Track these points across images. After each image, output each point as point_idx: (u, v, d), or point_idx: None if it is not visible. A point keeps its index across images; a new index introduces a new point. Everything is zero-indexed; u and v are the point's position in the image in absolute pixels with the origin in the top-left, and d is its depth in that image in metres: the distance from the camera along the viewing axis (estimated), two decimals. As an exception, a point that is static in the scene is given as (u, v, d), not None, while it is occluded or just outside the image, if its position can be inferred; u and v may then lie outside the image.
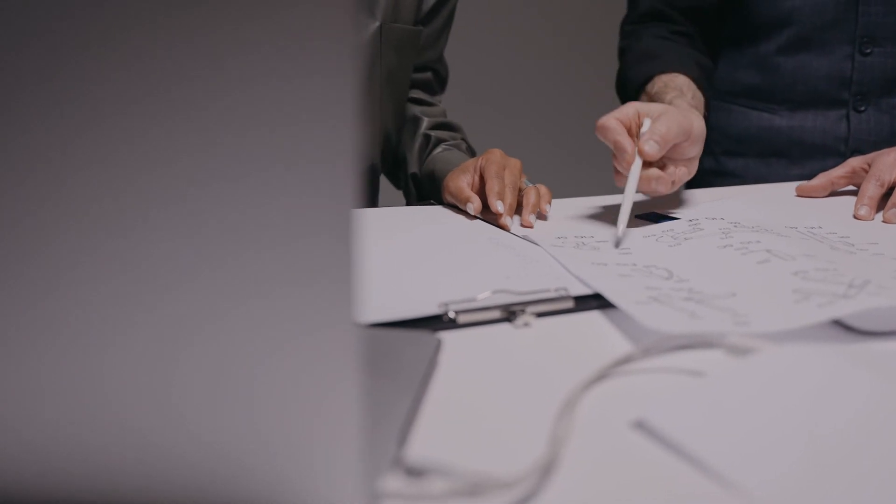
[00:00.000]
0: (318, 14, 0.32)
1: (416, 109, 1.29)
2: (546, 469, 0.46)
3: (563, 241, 0.92)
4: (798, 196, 1.16)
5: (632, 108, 1.00)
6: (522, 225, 1.00)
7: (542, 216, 1.02)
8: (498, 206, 0.98)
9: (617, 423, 0.52)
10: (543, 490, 0.44)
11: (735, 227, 0.93)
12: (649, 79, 1.26)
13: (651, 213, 1.05)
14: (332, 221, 0.34)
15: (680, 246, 0.89)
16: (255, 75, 0.32)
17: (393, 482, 0.41)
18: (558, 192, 1.16)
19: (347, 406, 0.36)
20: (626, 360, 0.59)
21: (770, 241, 0.85)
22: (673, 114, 0.98)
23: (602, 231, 0.96)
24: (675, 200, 1.12)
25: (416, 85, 1.32)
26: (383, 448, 0.45)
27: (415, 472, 0.42)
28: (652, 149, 0.94)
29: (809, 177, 1.17)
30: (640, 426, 0.51)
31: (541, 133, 2.16)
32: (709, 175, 1.46)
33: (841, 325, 0.67)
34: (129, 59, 0.32)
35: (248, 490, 0.37)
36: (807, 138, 1.35)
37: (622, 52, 1.41)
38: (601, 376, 0.57)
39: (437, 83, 1.37)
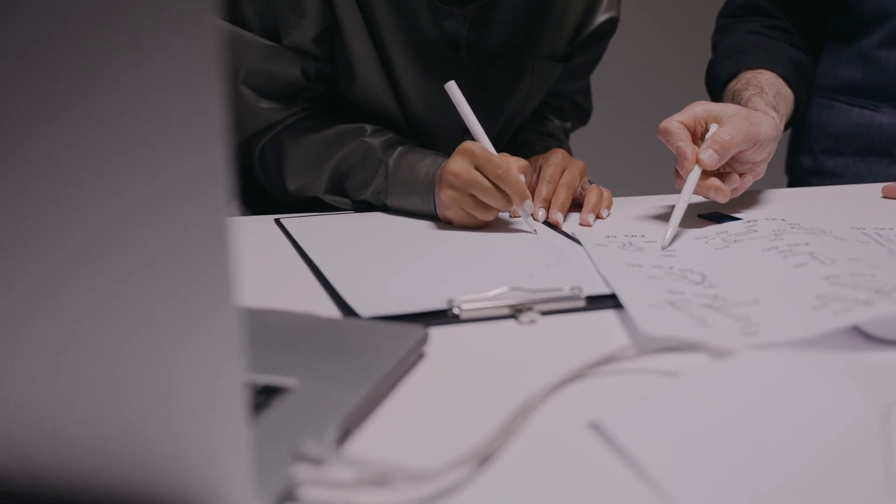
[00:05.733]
0: (180, 23, 0.34)
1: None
2: (477, 463, 0.47)
3: (611, 239, 0.91)
4: (884, 197, 1.09)
5: (699, 107, 0.98)
6: (581, 224, 1.00)
7: (599, 217, 1.02)
8: (539, 213, 0.99)
9: (575, 425, 0.52)
10: (466, 483, 0.45)
11: (792, 228, 0.89)
12: (735, 74, 1.22)
13: (715, 213, 1.02)
14: (206, 213, 0.36)
15: (727, 249, 0.86)
16: (128, 81, 0.35)
17: (302, 471, 0.43)
18: (625, 190, 1.14)
19: (232, 395, 0.38)
20: (605, 360, 0.58)
21: (818, 244, 0.81)
22: (739, 120, 0.95)
23: (654, 232, 0.94)
24: (750, 200, 1.08)
25: (549, 109, 1.29)
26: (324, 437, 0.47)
27: (314, 461, 0.43)
28: (710, 158, 0.92)
29: (913, 177, 1.11)
30: (595, 429, 0.51)
31: (609, 128, 2.10)
32: (807, 174, 1.40)
33: (861, 333, 0.64)
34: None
35: (134, 483, 0.39)
36: (910, 137, 1.27)
37: (714, 46, 1.37)
38: (576, 376, 0.57)
39: (573, 112, 1.31)
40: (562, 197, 0.99)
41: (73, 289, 0.37)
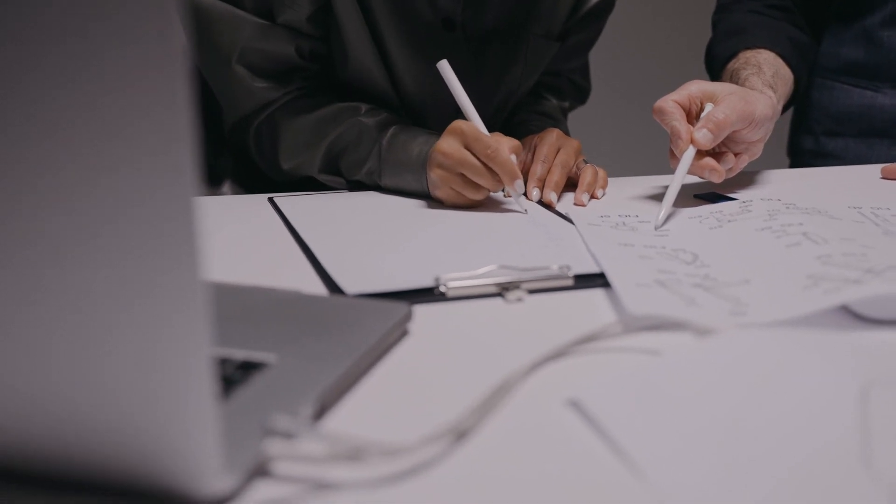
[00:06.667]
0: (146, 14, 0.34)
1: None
2: (452, 439, 0.46)
3: (605, 219, 0.90)
4: (883, 178, 1.08)
5: (695, 86, 0.97)
6: (575, 203, 0.99)
7: (593, 197, 1.01)
8: (533, 193, 0.99)
9: (554, 402, 0.51)
10: (439, 459, 0.45)
11: (787, 208, 0.88)
12: (734, 54, 1.21)
13: (710, 193, 1.01)
14: (172, 196, 0.36)
15: (721, 228, 0.86)
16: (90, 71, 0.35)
17: (274, 446, 0.42)
18: (622, 170, 1.13)
19: (199, 371, 0.37)
20: (588, 338, 0.58)
21: (812, 224, 0.80)
22: (734, 99, 0.94)
23: (648, 212, 0.94)
24: (748, 181, 1.07)
25: (546, 89, 1.27)
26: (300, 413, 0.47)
27: (285, 436, 0.43)
28: (705, 138, 0.92)
29: (914, 159, 1.10)
30: (574, 406, 0.50)
31: (605, 107, 2.08)
32: (808, 156, 1.39)
33: (851, 313, 0.63)
34: None
35: (101, 458, 0.39)
36: (912, 118, 1.26)
37: (714, 25, 1.35)
38: (558, 354, 0.56)
39: (571, 92, 1.30)
40: (556, 177, 0.98)
41: (39, 269, 0.37)
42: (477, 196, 0.93)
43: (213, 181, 1.15)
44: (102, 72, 0.35)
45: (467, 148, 0.91)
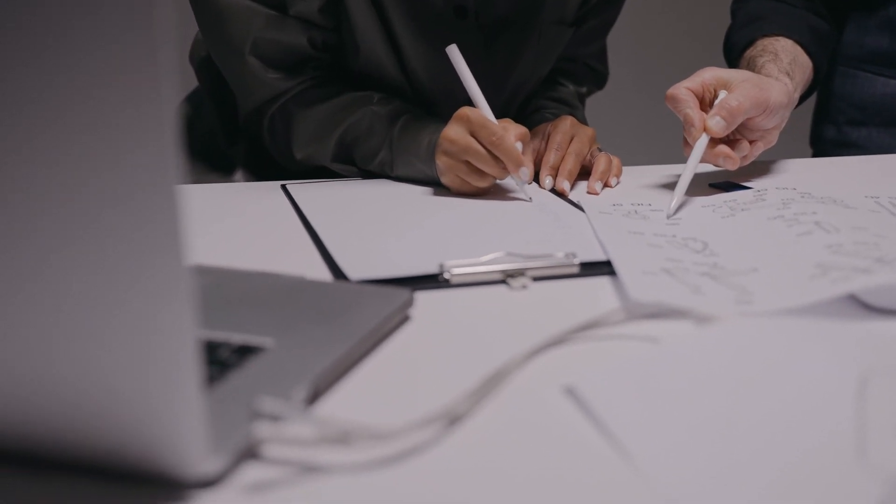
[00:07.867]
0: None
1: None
2: (444, 424, 0.46)
3: (617, 208, 0.90)
4: (904, 168, 1.07)
5: (708, 73, 0.96)
6: (588, 192, 0.98)
7: (607, 185, 1.00)
8: (546, 181, 0.98)
9: (551, 389, 0.51)
10: (429, 444, 0.44)
11: (802, 197, 0.87)
12: (752, 42, 1.19)
13: (725, 181, 1.00)
14: (156, 187, 0.36)
15: (733, 217, 0.85)
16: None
17: (264, 429, 0.42)
18: (636, 159, 1.12)
19: (184, 354, 0.37)
20: (589, 325, 0.57)
21: (825, 213, 0.79)
22: (748, 86, 0.93)
23: (661, 200, 0.93)
24: (766, 170, 1.06)
25: (563, 74, 1.25)
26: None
27: (273, 418, 0.43)
28: (718, 126, 0.90)
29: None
30: (570, 394, 0.50)
31: (620, 97, 2.05)
32: (830, 146, 1.37)
33: (860, 302, 0.62)
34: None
35: (87, 443, 0.40)
36: (936, 107, 1.24)
37: (733, 14, 1.33)
38: (558, 341, 0.56)
39: (588, 77, 1.28)
40: (569, 165, 0.98)
41: (26, 257, 0.37)
42: (482, 183, 0.93)
43: (226, 169, 1.16)
44: (86, 66, 0.35)
45: (473, 135, 0.90)
